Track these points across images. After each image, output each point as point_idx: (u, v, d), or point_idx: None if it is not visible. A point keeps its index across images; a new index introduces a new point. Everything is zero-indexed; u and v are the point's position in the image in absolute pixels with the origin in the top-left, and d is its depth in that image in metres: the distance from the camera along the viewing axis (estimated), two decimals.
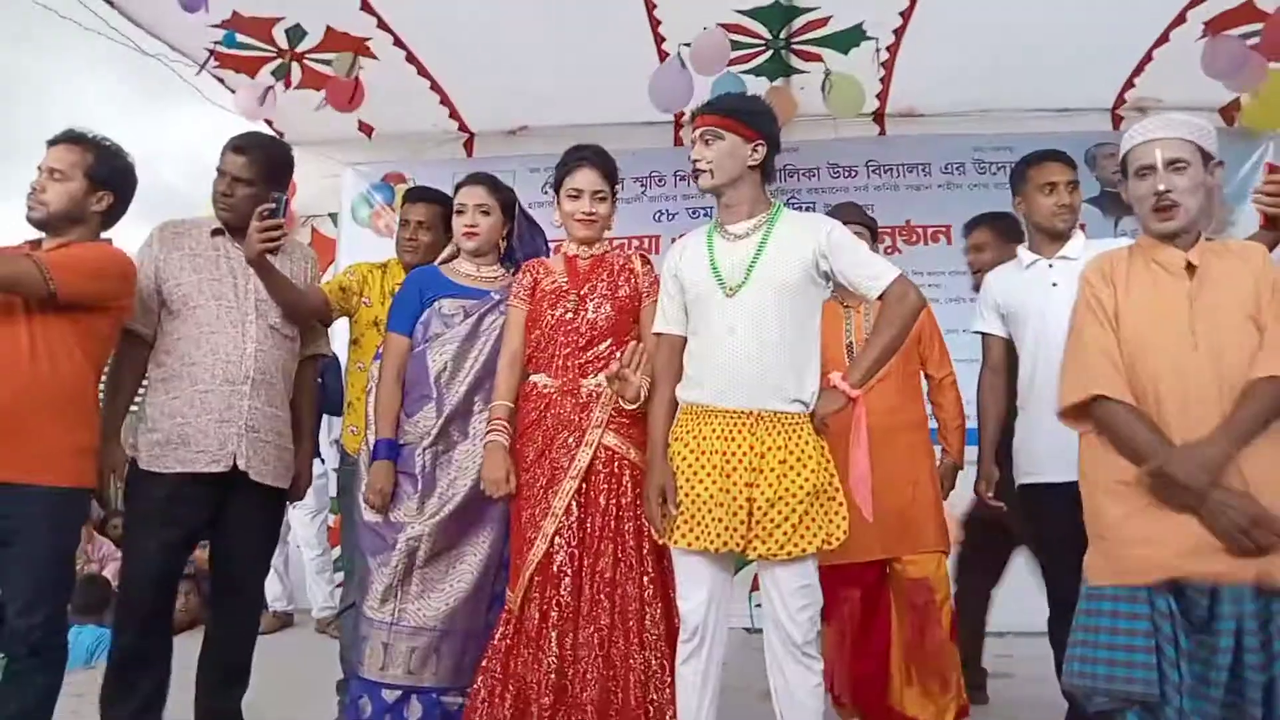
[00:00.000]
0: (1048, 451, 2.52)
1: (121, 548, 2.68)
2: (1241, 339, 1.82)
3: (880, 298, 2.16)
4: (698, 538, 2.12)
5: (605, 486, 2.39)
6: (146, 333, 2.55)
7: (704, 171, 2.22)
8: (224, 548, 2.63)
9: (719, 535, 2.09)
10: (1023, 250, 2.75)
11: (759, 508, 2.08)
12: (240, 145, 2.62)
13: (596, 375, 2.44)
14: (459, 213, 2.69)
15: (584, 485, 2.39)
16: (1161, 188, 1.90)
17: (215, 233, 2.63)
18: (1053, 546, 2.61)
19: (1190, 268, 1.91)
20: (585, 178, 2.50)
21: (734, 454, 2.11)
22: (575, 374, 2.45)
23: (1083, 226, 2.79)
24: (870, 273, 2.16)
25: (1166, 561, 1.75)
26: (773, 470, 2.09)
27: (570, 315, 2.47)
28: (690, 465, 2.15)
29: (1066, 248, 2.64)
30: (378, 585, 2.50)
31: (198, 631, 4.50)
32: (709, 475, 2.12)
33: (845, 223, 2.76)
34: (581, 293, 2.49)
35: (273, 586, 4.83)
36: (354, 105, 4.63)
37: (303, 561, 4.82)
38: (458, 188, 2.74)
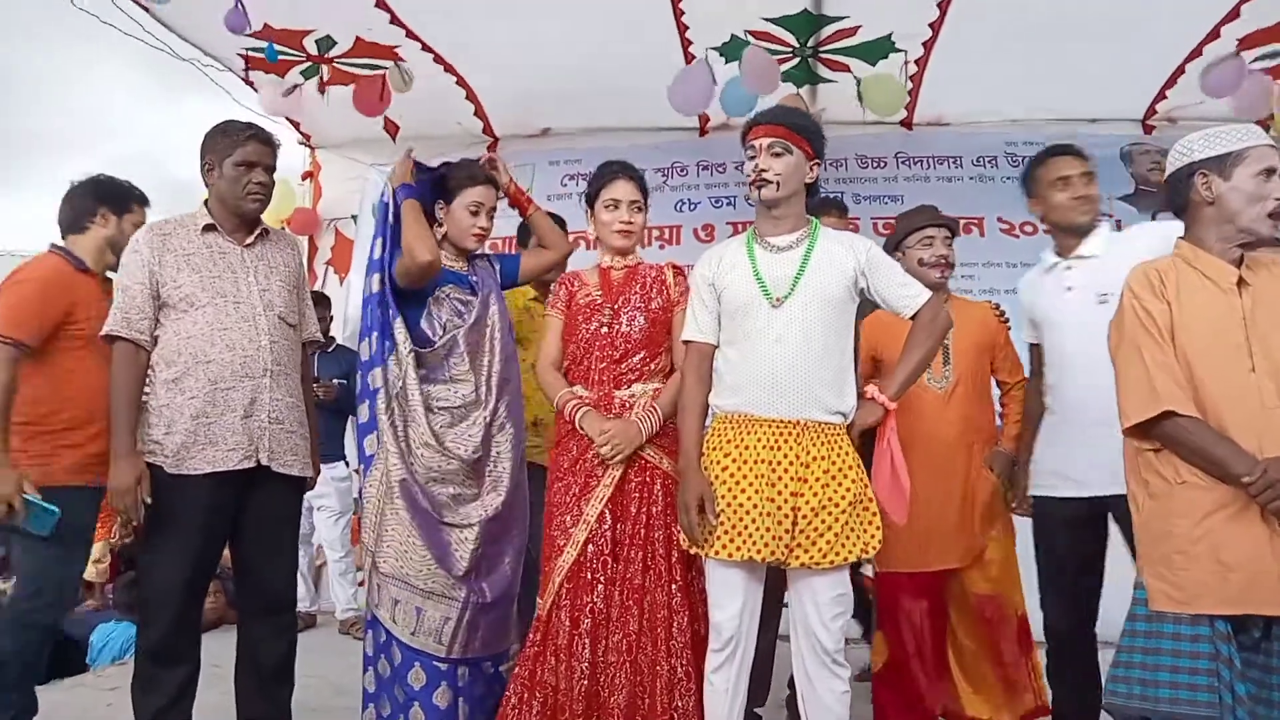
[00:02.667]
0: (1050, 466, 2.54)
1: (144, 549, 2.58)
2: None
3: (913, 316, 2.22)
4: (739, 548, 2.13)
5: (637, 495, 2.42)
6: (143, 339, 2.46)
7: (770, 183, 2.22)
8: (249, 545, 2.57)
9: (767, 545, 2.11)
10: (1046, 253, 2.68)
11: (804, 516, 2.11)
12: (266, 135, 2.58)
13: (630, 386, 2.49)
14: (473, 212, 2.68)
15: (616, 493, 2.42)
16: None
17: (207, 229, 2.55)
18: (1047, 565, 2.59)
19: (1241, 283, 1.88)
20: (623, 188, 2.55)
21: (780, 463, 2.13)
22: (610, 386, 2.49)
23: (1119, 223, 2.72)
24: (908, 292, 2.24)
25: (1234, 596, 1.75)
26: (817, 480, 2.12)
27: (605, 329, 2.51)
28: (733, 475, 2.16)
29: (1086, 245, 2.55)
30: (458, 566, 2.53)
31: (223, 631, 4.64)
32: (751, 485, 2.14)
33: (932, 224, 2.83)
34: (615, 306, 2.53)
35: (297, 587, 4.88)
36: (381, 109, 4.67)
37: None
38: (464, 179, 2.71)
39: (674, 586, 2.38)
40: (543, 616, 2.41)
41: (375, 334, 2.64)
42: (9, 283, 2.68)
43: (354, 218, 5.57)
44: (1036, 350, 2.71)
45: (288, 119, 5.27)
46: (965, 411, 2.74)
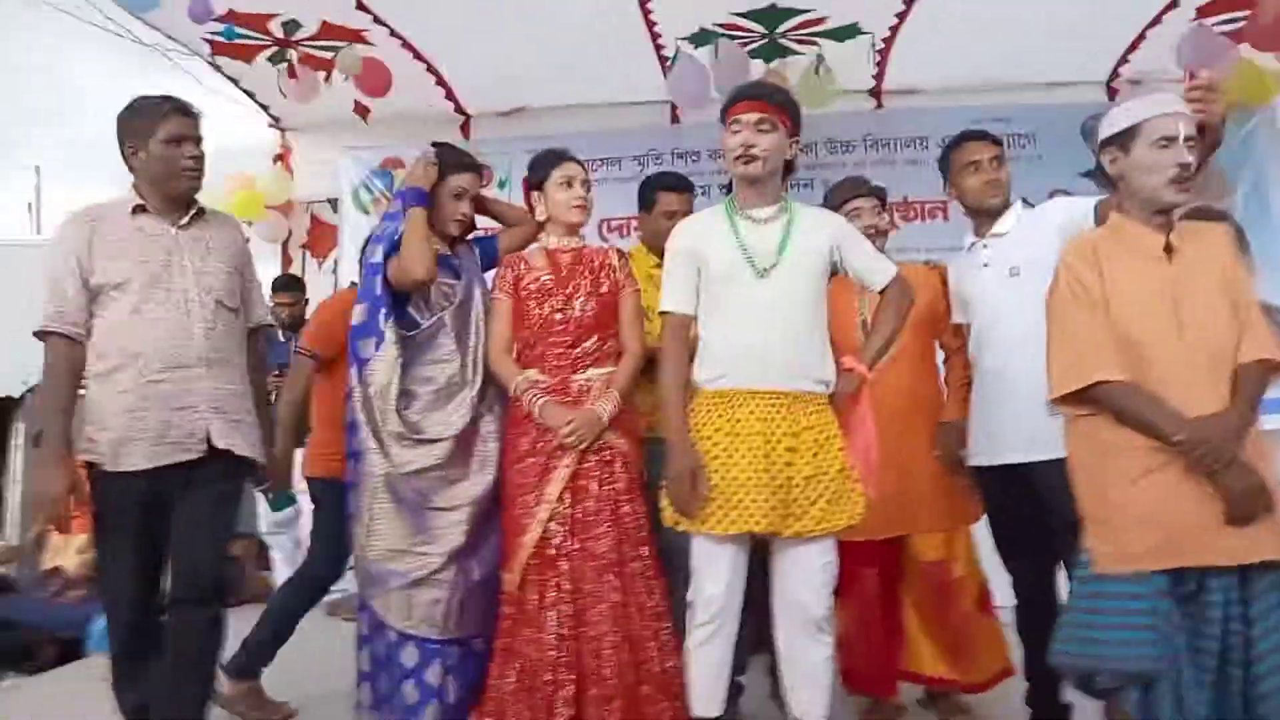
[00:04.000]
0: (978, 435, 2.62)
1: (96, 549, 2.53)
2: (1223, 321, 1.88)
3: (882, 291, 2.29)
4: (734, 521, 2.14)
5: (597, 475, 2.47)
6: (78, 333, 2.35)
7: (758, 159, 2.22)
8: (180, 528, 2.40)
9: (765, 516, 2.13)
10: (967, 234, 2.76)
11: (796, 485, 2.15)
12: (187, 105, 2.45)
13: (586, 370, 2.53)
14: (456, 197, 2.70)
15: (576, 475, 2.47)
16: (1189, 159, 1.91)
17: (137, 210, 2.42)
18: (993, 529, 2.69)
19: (1169, 250, 1.94)
20: (574, 167, 2.61)
21: (773, 435, 2.16)
22: (566, 371, 2.52)
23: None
24: (878, 267, 2.32)
25: (1168, 551, 1.82)
26: (808, 449, 2.17)
27: (559, 314, 2.54)
28: (725, 449, 2.17)
29: (999, 224, 2.64)
30: (447, 547, 2.55)
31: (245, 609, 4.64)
32: (744, 458, 2.15)
33: (857, 196, 2.86)
34: (568, 290, 2.55)
35: (282, 571, 4.91)
36: (387, 91, 4.64)
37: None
38: (449, 165, 2.71)
39: (647, 553, 2.47)
40: (512, 591, 2.46)
41: (363, 334, 2.62)
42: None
43: (331, 202, 5.55)
44: (964, 329, 2.77)
45: (255, 101, 5.23)
46: (909, 379, 2.77)
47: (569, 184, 2.59)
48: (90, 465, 2.37)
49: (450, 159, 2.73)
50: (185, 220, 2.47)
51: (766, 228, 2.26)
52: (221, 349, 2.46)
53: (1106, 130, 2.03)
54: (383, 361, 2.58)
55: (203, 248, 2.47)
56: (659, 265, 2.91)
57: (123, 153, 2.45)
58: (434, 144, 2.81)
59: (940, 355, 2.96)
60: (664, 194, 3.01)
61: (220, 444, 2.40)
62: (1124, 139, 1.98)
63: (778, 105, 2.25)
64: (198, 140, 2.46)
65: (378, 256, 2.64)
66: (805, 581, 2.18)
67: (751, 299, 2.21)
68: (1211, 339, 1.87)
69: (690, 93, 4.30)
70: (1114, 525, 1.88)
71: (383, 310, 2.59)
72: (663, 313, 2.33)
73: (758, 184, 2.27)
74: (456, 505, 2.57)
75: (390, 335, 2.58)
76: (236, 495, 2.61)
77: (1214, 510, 1.81)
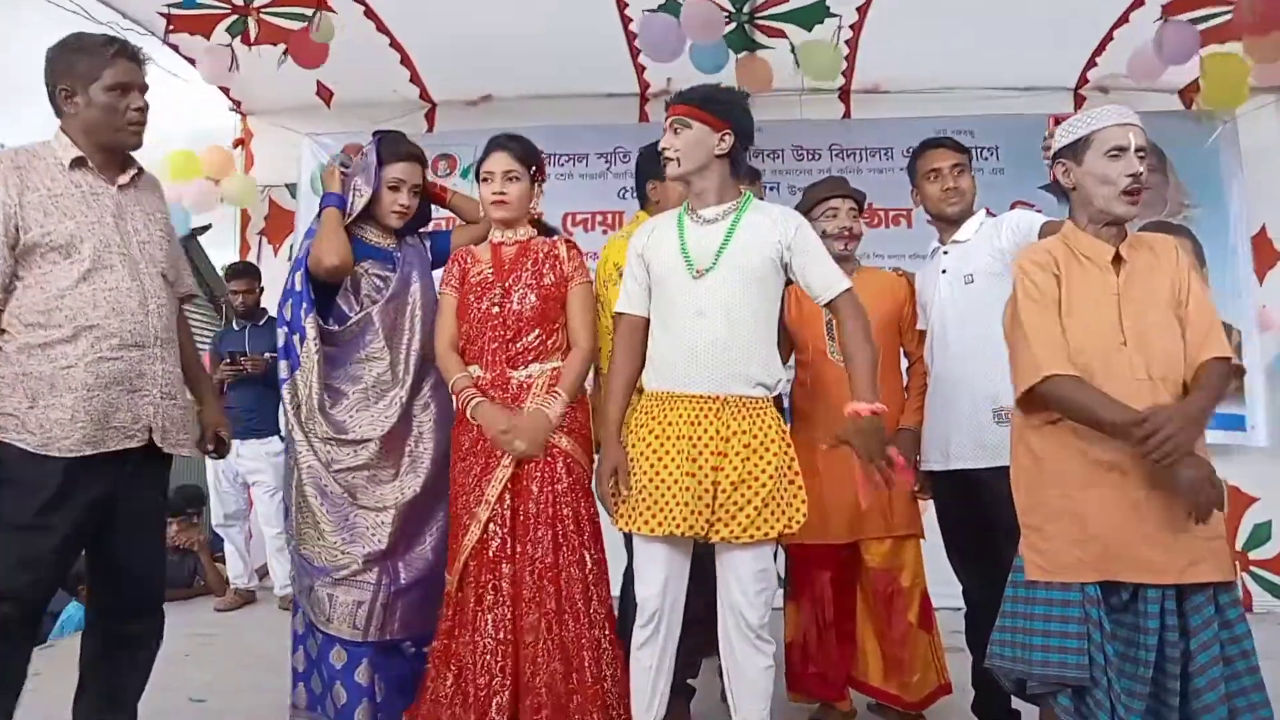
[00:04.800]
0: (930, 441, 2.65)
1: None
2: (1166, 333, 1.87)
3: (830, 305, 2.21)
4: (660, 523, 2.13)
5: (538, 474, 2.41)
6: None
7: (671, 160, 2.23)
8: (123, 536, 2.20)
9: (685, 519, 2.11)
10: (933, 241, 2.79)
11: (723, 490, 2.12)
12: (135, 50, 2.22)
13: (527, 366, 2.47)
14: (393, 188, 2.65)
15: (517, 473, 2.41)
16: (1139, 169, 1.90)
17: (76, 164, 2.17)
18: (944, 535, 2.71)
19: (1118, 261, 1.94)
20: (496, 160, 2.52)
21: (700, 438, 2.13)
22: (504, 366, 2.47)
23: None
24: (827, 279, 2.20)
25: (1099, 564, 1.82)
26: (737, 454, 2.12)
27: (496, 309, 2.48)
28: (654, 450, 2.16)
29: (960, 231, 2.67)
30: (370, 548, 2.51)
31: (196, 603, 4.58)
32: (673, 460, 2.14)
33: (836, 195, 2.84)
34: (506, 285, 2.50)
35: (235, 564, 4.83)
36: (318, 62, 4.50)
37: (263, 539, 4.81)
38: (386, 154, 2.66)
39: (589, 559, 2.40)
40: (451, 593, 2.42)
41: (286, 327, 2.60)
42: None
43: (289, 187, 5.45)
44: (923, 332, 2.79)
45: (218, 85, 5.12)
46: None
47: (489, 178, 2.52)
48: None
49: (388, 149, 2.67)
50: (126, 180, 2.25)
51: (711, 228, 2.23)
52: (170, 327, 2.28)
53: (1060, 141, 2.03)
54: (305, 358, 2.55)
55: (142, 212, 2.27)
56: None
57: (52, 94, 2.19)
58: (376, 133, 2.76)
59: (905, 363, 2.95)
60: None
61: (162, 440, 2.21)
62: (1076, 149, 1.98)
63: (690, 102, 2.22)
64: (144, 89, 2.23)
65: (302, 251, 2.62)
66: (739, 588, 2.15)
67: (685, 301, 2.19)
68: (1156, 350, 1.86)
69: (660, 43, 4.23)
70: (1047, 534, 1.88)
71: (303, 305, 2.56)
72: (615, 314, 2.34)
73: (692, 185, 2.26)
74: (383, 507, 2.53)
75: (311, 331, 2.55)
76: (167, 499, 2.51)
77: (1151, 525, 1.81)
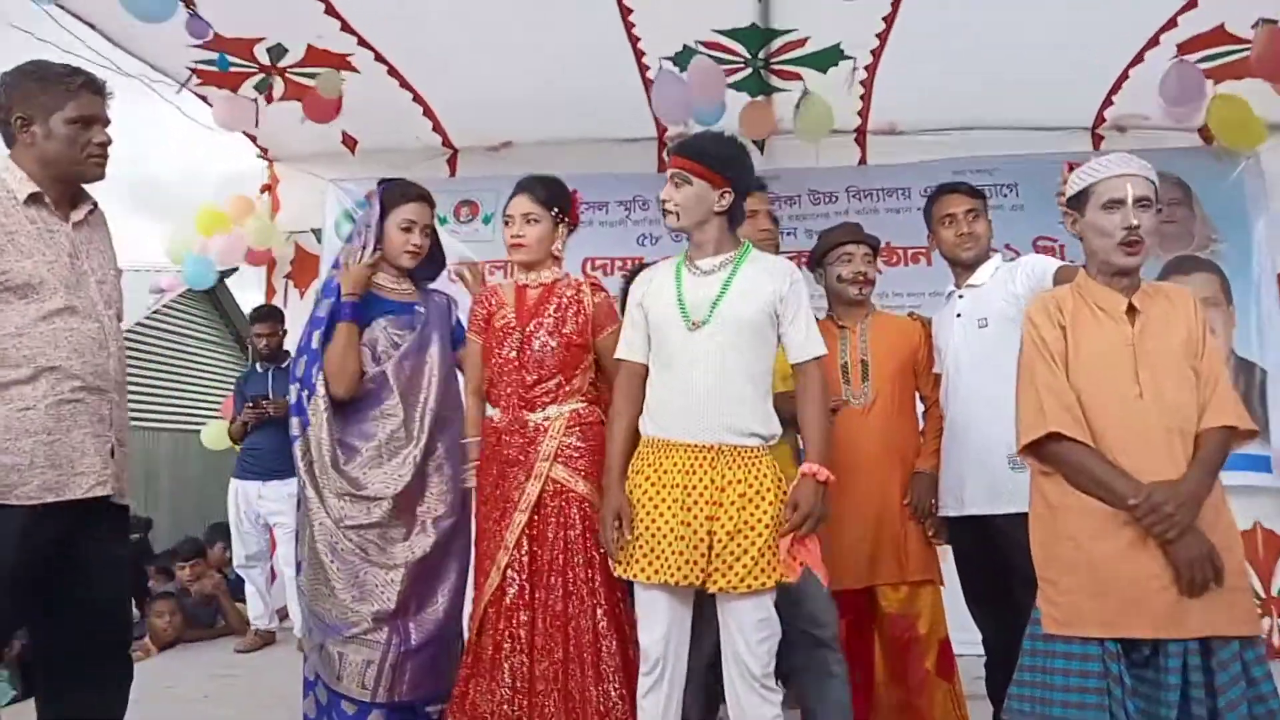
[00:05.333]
0: (946, 486, 2.63)
1: None
2: (1182, 385, 1.86)
3: (798, 365, 2.24)
4: (657, 571, 2.13)
5: (554, 520, 2.41)
6: None
7: (671, 213, 2.27)
8: (94, 586, 2.11)
9: (679, 569, 2.11)
10: (949, 284, 2.80)
11: (719, 540, 2.11)
12: (101, 84, 2.16)
13: (545, 409, 2.48)
14: (405, 229, 2.68)
15: (534, 518, 2.41)
16: (1134, 222, 1.91)
17: (31, 199, 2.07)
18: (962, 582, 2.70)
19: (1132, 311, 1.93)
20: (516, 204, 2.55)
21: (694, 487, 2.13)
22: (522, 409, 2.47)
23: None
24: (804, 340, 2.23)
25: (1112, 619, 1.79)
26: (733, 504, 2.12)
27: (514, 354, 2.49)
28: (651, 498, 2.17)
29: (976, 275, 2.68)
30: (380, 607, 2.50)
31: (180, 651, 4.61)
32: (669, 509, 2.14)
33: (851, 241, 2.86)
34: (526, 330, 2.51)
35: (255, 604, 4.85)
36: (332, 117, 4.63)
37: (284, 580, 4.82)
38: (396, 196, 2.70)
39: (599, 611, 2.37)
40: (472, 640, 2.41)
41: (298, 383, 2.63)
42: None
43: (315, 232, 5.55)
44: (939, 377, 2.78)
45: (245, 132, 5.24)
46: (884, 427, 2.75)
47: (509, 221, 2.54)
48: None
49: (395, 191, 2.71)
50: (80, 217, 2.17)
51: (708, 280, 2.24)
52: (123, 370, 2.21)
53: (1068, 192, 2.05)
54: (313, 414, 2.57)
55: (96, 251, 2.19)
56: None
57: (5, 121, 2.10)
58: (380, 181, 2.79)
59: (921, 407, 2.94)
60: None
61: (113, 488, 2.11)
62: (1079, 201, 2.00)
63: (693, 158, 2.25)
64: (107, 123, 2.16)
65: (322, 311, 2.63)
66: (741, 638, 2.13)
67: (682, 352, 2.20)
68: (1170, 403, 1.84)
69: (672, 108, 4.29)
70: (1063, 587, 1.86)
71: (317, 364, 2.59)
72: (617, 360, 2.37)
73: (691, 236, 2.29)
74: (393, 565, 2.52)
75: (321, 389, 2.57)
76: (128, 537, 2.42)
77: (1167, 579, 1.77)
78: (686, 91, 4.17)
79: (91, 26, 3.98)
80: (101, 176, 2.17)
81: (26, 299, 2.01)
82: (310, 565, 2.57)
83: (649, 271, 2.41)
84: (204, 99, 4.77)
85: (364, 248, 2.67)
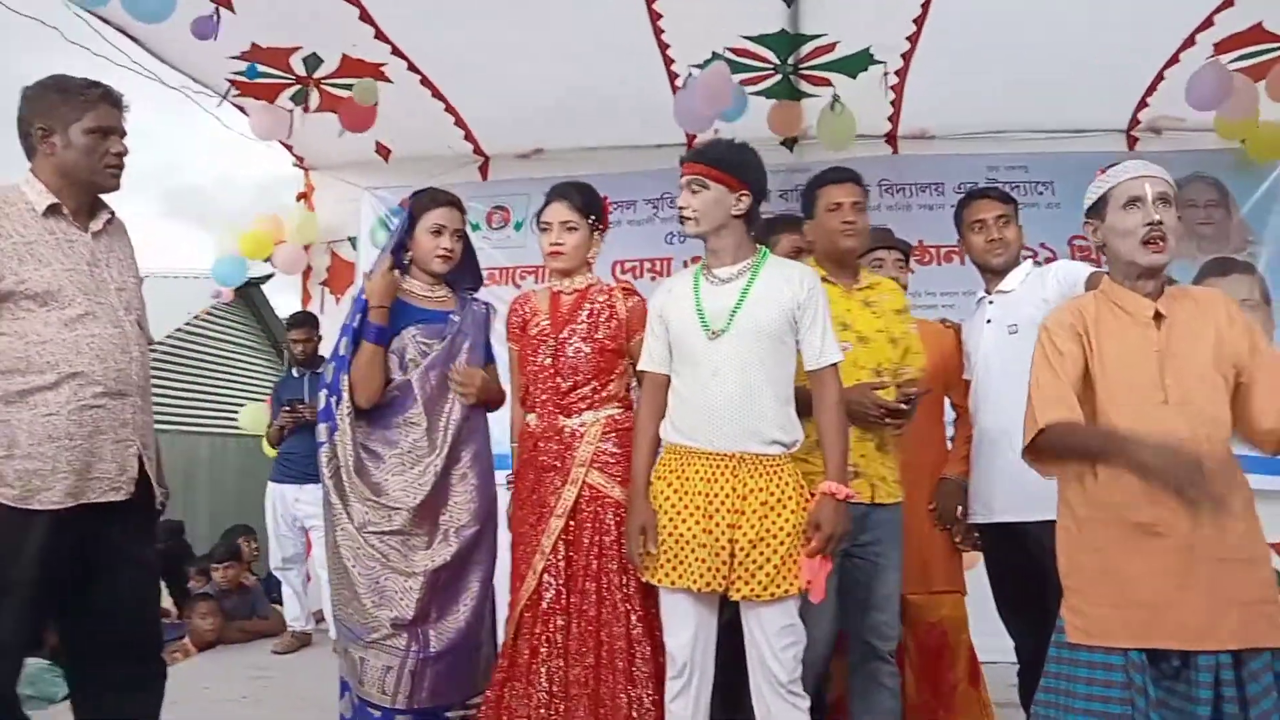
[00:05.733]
0: (976, 493, 2.63)
1: None
2: (1210, 390, 1.83)
3: (815, 372, 2.23)
4: (680, 576, 2.15)
5: (589, 525, 2.43)
6: None
7: (689, 219, 2.27)
8: (120, 588, 2.16)
9: (702, 575, 2.13)
10: (980, 290, 2.79)
11: (741, 549, 2.12)
12: (118, 96, 2.21)
13: (581, 415, 2.50)
14: (435, 233, 2.69)
15: (570, 524, 2.43)
16: (1156, 217, 1.89)
17: (50, 211, 2.13)
18: (993, 588, 2.69)
19: (1158, 317, 1.90)
20: (553, 211, 2.55)
21: (716, 495, 2.15)
22: (558, 415, 2.50)
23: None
24: (821, 347, 2.23)
25: (1138, 630, 1.77)
26: (754, 511, 2.13)
27: (549, 360, 2.52)
28: (674, 505, 2.18)
29: (1006, 281, 2.67)
30: (399, 614, 2.53)
31: (219, 652, 4.70)
32: (691, 516, 2.15)
33: (882, 247, 2.87)
34: (560, 337, 2.53)
35: (292, 606, 4.93)
36: (368, 126, 4.71)
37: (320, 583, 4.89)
38: (424, 203, 2.73)
39: (633, 617, 2.39)
40: (508, 644, 2.43)
41: (326, 389, 2.68)
42: None
43: (351, 240, 5.64)
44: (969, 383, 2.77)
45: (281, 141, 5.34)
46: (912, 434, 2.71)
47: (546, 228, 2.56)
48: None
49: (424, 198, 2.74)
50: (99, 226, 2.23)
51: (726, 288, 2.25)
52: (147, 375, 2.25)
53: (1086, 202, 2.03)
54: (339, 419, 2.61)
55: (116, 259, 2.25)
56: (828, 277, 2.57)
57: (26, 134, 2.16)
58: (413, 194, 2.83)
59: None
60: (826, 188, 2.61)
61: (155, 495, 2.19)
62: (1099, 208, 1.99)
63: (709, 163, 2.25)
64: (123, 134, 2.21)
65: (354, 319, 2.68)
66: (767, 644, 2.14)
67: (702, 361, 2.20)
68: (1197, 409, 1.82)
69: (693, 116, 4.31)
70: (1087, 596, 1.85)
71: (344, 371, 2.63)
72: (639, 371, 2.38)
73: (709, 242, 2.29)
74: (412, 573, 2.54)
75: (346, 396, 2.62)
76: (154, 540, 2.46)
77: (1194, 588, 1.75)
78: (694, 98, 4.15)
79: (136, 41, 4.09)
80: (117, 186, 2.23)
81: (48, 307, 2.07)
82: (334, 571, 2.61)
83: (668, 281, 2.42)
84: (241, 109, 4.87)
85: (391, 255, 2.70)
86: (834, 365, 2.23)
